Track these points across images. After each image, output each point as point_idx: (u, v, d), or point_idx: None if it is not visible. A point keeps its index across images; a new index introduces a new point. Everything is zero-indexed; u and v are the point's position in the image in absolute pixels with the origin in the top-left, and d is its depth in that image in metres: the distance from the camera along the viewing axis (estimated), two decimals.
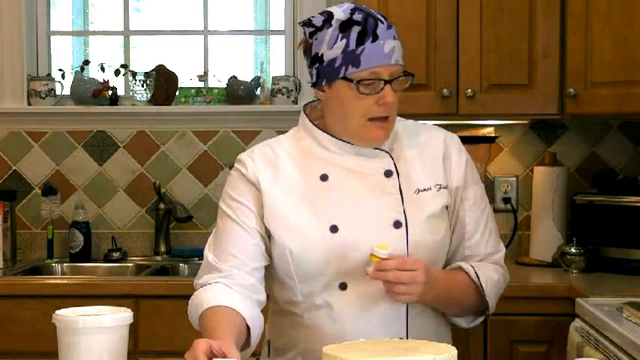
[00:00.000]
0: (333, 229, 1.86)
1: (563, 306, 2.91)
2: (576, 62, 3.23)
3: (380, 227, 1.86)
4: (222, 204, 1.97)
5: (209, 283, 1.88)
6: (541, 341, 2.99)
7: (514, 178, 3.57)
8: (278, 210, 1.90)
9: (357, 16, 1.85)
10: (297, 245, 1.87)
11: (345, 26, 1.85)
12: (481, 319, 2.02)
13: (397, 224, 1.87)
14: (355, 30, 1.84)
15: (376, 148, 1.93)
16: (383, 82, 1.83)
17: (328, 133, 1.94)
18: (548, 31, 3.28)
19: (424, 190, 1.92)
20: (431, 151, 1.97)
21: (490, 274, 1.97)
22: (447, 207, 1.95)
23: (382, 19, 1.87)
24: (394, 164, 1.92)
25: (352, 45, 1.83)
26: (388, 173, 1.91)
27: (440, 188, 1.93)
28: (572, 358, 2.50)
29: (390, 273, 1.76)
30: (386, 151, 1.93)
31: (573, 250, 3.25)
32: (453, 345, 2.02)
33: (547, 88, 3.29)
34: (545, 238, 3.41)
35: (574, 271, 3.24)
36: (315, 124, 1.96)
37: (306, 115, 1.99)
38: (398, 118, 1.97)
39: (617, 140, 3.66)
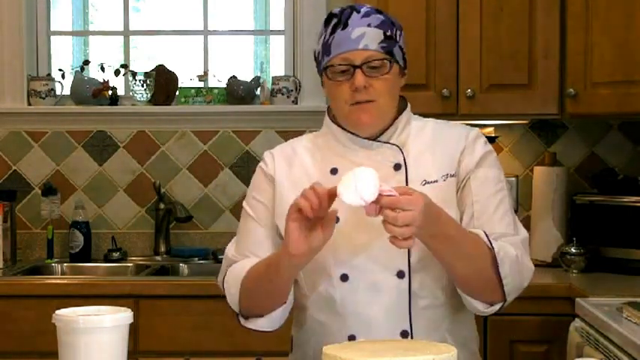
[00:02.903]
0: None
1: (563, 306, 2.91)
2: (576, 62, 3.23)
3: (381, 218, 1.86)
4: (244, 203, 2.04)
5: (235, 262, 1.96)
6: (541, 341, 2.99)
7: (514, 178, 3.57)
8: (286, 202, 1.90)
9: (337, 10, 1.92)
10: None
11: (327, 21, 1.93)
12: (498, 306, 1.89)
13: None
14: (333, 22, 1.91)
15: (387, 142, 1.94)
16: (353, 67, 1.87)
17: (344, 129, 1.97)
18: (548, 31, 3.28)
19: (431, 182, 1.91)
20: (448, 145, 1.95)
21: (506, 247, 1.85)
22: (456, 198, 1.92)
23: (361, 8, 1.90)
24: (404, 158, 1.92)
25: (327, 36, 1.90)
26: (397, 167, 1.92)
27: (447, 177, 1.92)
28: (572, 358, 2.51)
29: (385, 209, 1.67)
30: (397, 146, 1.94)
31: (573, 250, 3.25)
32: (476, 348, 2.03)
33: (547, 88, 3.29)
34: (545, 238, 3.41)
35: (574, 271, 3.24)
36: (333, 121, 1.99)
37: (328, 112, 2.02)
38: (418, 116, 2.01)
39: (617, 140, 3.66)
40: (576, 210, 3.41)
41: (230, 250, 2.01)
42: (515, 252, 1.87)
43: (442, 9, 3.29)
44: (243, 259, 1.96)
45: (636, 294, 2.66)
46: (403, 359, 1.43)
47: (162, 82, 3.78)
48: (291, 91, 3.76)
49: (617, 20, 3.10)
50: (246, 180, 3.73)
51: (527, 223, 3.54)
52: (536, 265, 3.47)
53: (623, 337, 2.24)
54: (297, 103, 3.77)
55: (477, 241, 1.83)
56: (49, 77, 3.85)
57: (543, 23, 3.28)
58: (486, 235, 1.84)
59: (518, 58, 3.29)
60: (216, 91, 3.82)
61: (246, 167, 3.76)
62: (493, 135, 3.59)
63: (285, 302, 1.90)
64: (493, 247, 1.81)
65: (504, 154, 3.66)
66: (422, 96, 3.23)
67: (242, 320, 1.96)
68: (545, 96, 3.29)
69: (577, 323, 2.64)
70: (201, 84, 3.89)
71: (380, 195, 1.66)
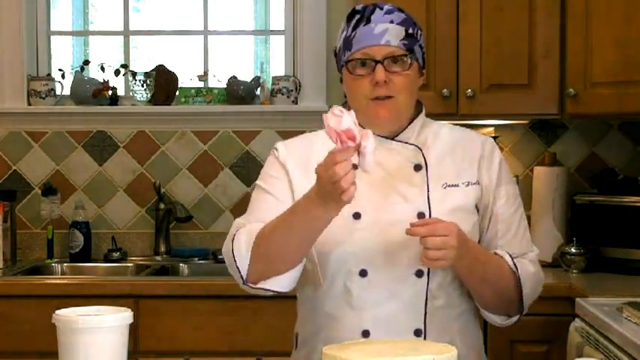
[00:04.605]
0: (356, 215, 1.88)
1: (563, 306, 2.91)
2: (576, 62, 3.23)
3: (403, 217, 1.87)
4: (257, 182, 2.03)
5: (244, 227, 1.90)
6: (541, 341, 2.99)
7: (514, 178, 3.56)
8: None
9: (359, 7, 1.94)
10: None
11: (349, 17, 1.95)
12: (515, 318, 2.00)
13: (421, 215, 1.88)
14: (355, 18, 1.93)
15: (407, 143, 1.96)
16: (374, 62, 1.89)
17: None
18: (548, 31, 3.28)
19: (452, 185, 1.94)
20: (466, 151, 1.99)
21: (525, 265, 1.95)
22: (477, 205, 1.96)
23: (384, 5, 1.93)
24: (424, 159, 1.94)
25: (349, 32, 1.93)
26: (417, 167, 1.94)
27: (469, 184, 1.95)
28: (572, 358, 2.50)
29: (422, 230, 1.76)
30: (417, 146, 1.95)
31: (573, 250, 3.25)
32: (482, 348, 2.05)
33: (547, 88, 3.29)
34: (545, 238, 3.41)
35: (574, 271, 3.24)
36: None
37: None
38: (430, 119, 2.04)
39: (617, 140, 3.66)
40: (576, 210, 3.41)
41: (239, 220, 1.96)
42: (534, 268, 1.98)
43: (442, 9, 3.29)
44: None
45: (636, 294, 2.66)
46: (402, 359, 1.43)
47: (163, 82, 3.78)
48: (291, 91, 3.76)
49: (617, 20, 3.10)
50: (246, 180, 3.74)
51: (527, 223, 3.54)
52: None
53: (623, 337, 2.24)
54: (297, 103, 3.77)
55: (502, 265, 1.91)
56: (49, 77, 3.84)
57: (543, 23, 3.28)
58: (510, 257, 1.92)
59: (518, 58, 3.29)
60: (216, 91, 3.82)
61: (246, 167, 3.76)
62: (493, 135, 3.59)
63: (302, 260, 1.87)
64: (517, 271, 1.91)
65: (504, 154, 3.64)
66: (422, 96, 3.18)
67: (251, 285, 1.87)
68: (545, 96, 3.29)
69: (577, 323, 2.63)
70: (201, 84, 3.89)
71: (419, 225, 1.77)
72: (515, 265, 1.91)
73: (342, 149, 1.63)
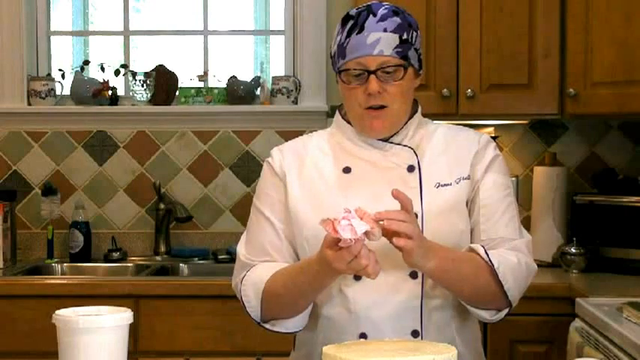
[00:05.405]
0: None
1: (563, 306, 2.91)
2: (576, 62, 3.23)
3: None
4: (254, 199, 2.04)
5: (252, 267, 1.97)
6: (541, 341, 2.99)
7: (514, 178, 3.57)
8: (299, 200, 1.94)
9: (354, 11, 1.92)
10: (314, 233, 1.88)
11: (344, 22, 1.93)
12: (505, 311, 1.93)
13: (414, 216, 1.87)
14: (349, 24, 1.91)
15: (400, 144, 1.95)
16: (367, 73, 1.87)
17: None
18: (548, 31, 3.28)
19: (445, 185, 1.93)
20: (461, 149, 1.97)
21: (505, 255, 1.89)
22: (467, 201, 1.94)
23: (379, 10, 1.90)
24: (417, 160, 1.94)
25: (343, 38, 1.91)
26: (411, 168, 1.93)
27: (460, 180, 1.93)
28: (572, 358, 2.51)
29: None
30: (410, 148, 1.95)
31: (573, 250, 3.25)
32: (481, 347, 2.04)
33: (547, 88, 3.29)
34: (545, 238, 3.41)
35: (574, 271, 3.24)
36: (345, 120, 2.00)
37: (340, 112, 2.03)
38: (427, 119, 2.03)
39: (617, 140, 3.66)
40: (576, 210, 3.41)
41: (241, 250, 2.00)
42: (516, 258, 1.90)
43: (442, 9, 3.30)
44: (257, 263, 1.97)
45: (636, 294, 2.66)
46: (402, 359, 1.43)
47: (163, 82, 3.78)
48: (291, 91, 3.76)
49: (617, 20, 3.11)
50: (246, 180, 3.74)
51: (527, 223, 3.55)
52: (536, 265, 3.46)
53: (623, 337, 2.24)
54: (297, 103, 3.77)
55: (475, 260, 1.86)
56: (49, 77, 3.85)
57: (543, 23, 3.28)
58: (484, 250, 1.87)
59: (518, 58, 3.29)
60: (216, 91, 3.82)
61: (246, 167, 3.76)
62: (493, 135, 3.59)
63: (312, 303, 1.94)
64: (493, 264, 1.85)
65: (504, 154, 3.64)
66: (422, 96, 3.18)
67: (267, 325, 1.96)
68: (545, 96, 3.29)
69: (577, 323, 2.64)
70: (201, 84, 3.89)
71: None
72: (489, 258, 1.85)
73: (357, 243, 1.68)
